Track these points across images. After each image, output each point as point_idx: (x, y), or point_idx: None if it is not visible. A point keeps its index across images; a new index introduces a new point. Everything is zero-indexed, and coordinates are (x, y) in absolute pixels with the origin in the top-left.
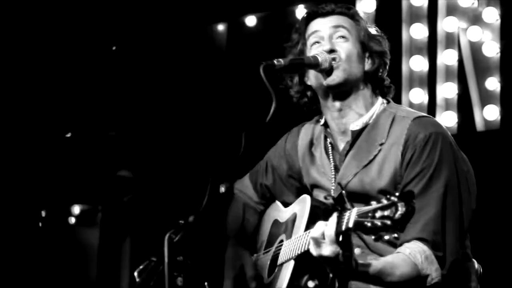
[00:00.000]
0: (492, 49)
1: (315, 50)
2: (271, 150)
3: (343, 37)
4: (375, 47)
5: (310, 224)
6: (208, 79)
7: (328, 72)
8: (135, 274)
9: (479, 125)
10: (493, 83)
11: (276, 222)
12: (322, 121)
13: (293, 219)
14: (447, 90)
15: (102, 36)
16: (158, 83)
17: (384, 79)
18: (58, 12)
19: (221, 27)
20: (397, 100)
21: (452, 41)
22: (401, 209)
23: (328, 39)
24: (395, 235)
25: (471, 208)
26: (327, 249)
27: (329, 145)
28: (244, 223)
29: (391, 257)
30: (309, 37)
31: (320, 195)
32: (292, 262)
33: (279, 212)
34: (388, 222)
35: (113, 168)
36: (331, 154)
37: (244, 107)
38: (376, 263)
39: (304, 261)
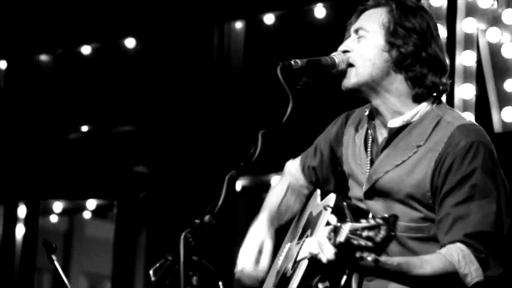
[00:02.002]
0: (511, 51)
1: None
2: (321, 134)
3: (360, 36)
4: (400, 34)
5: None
6: (226, 77)
7: (345, 73)
8: (151, 272)
9: (497, 126)
10: (511, 85)
11: (311, 214)
12: (367, 111)
13: (319, 215)
14: (465, 91)
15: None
16: (177, 79)
17: (420, 73)
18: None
19: (239, 24)
20: None
21: (470, 42)
22: (382, 233)
23: (347, 40)
24: (375, 257)
25: (508, 217)
26: (327, 255)
27: (370, 137)
28: (283, 203)
29: (421, 255)
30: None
31: (353, 186)
32: (306, 261)
33: (315, 203)
34: (370, 243)
35: (129, 164)
36: (369, 146)
37: (262, 106)
38: (402, 257)
39: (317, 261)
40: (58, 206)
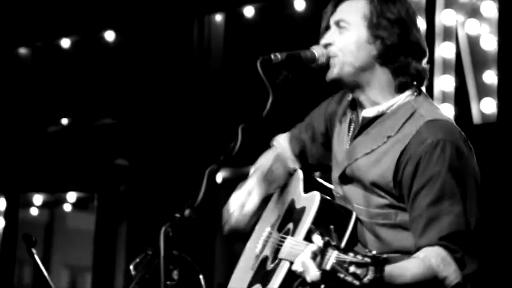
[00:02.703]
0: (490, 43)
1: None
2: (315, 109)
3: (341, 27)
4: (383, 26)
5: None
6: (207, 70)
7: (326, 67)
8: (131, 267)
9: (476, 118)
10: (490, 77)
11: (292, 203)
12: (350, 97)
13: (301, 213)
14: (445, 82)
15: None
16: (157, 72)
17: (404, 63)
18: None
19: (219, 17)
20: None
21: (450, 34)
22: (370, 274)
23: (328, 33)
24: None
25: (477, 216)
26: (311, 277)
27: (352, 123)
28: (272, 168)
29: (403, 261)
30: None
31: (334, 168)
32: (287, 264)
33: (298, 192)
34: (357, 282)
35: (110, 157)
36: (350, 132)
37: (242, 99)
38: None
39: None
40: (38, 199)
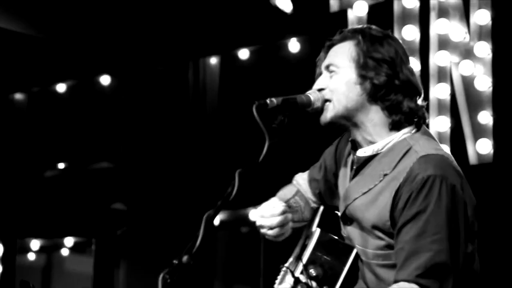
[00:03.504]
0: (484, 83)
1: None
2: (328, 148)
3: (331, 71)
4: (371, 66)
5: (305, 268)
6: (202, 112)
7: (321, 111)
8: None
9: (472, 158)
10: (485, 117)
11: (307, 237)
12: (350, 138)
13: (304, 248)
14: (440, 123)
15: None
16: (153, 115)
17: (395, 101)
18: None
19: (214, 60)
20: None
21: (444, 75)
22: None
23: (320, 78)
24: None
25: (469, 252)
26: None
27: (354, 163)
28: (293, 199)
29: None
30: None
31: (340, 210)
32: None
33: (312, 229)
34: None
35: (107, 201)
36: (352, 172)
37: (238, 141)
38: None
39: None
40: (35, 244)
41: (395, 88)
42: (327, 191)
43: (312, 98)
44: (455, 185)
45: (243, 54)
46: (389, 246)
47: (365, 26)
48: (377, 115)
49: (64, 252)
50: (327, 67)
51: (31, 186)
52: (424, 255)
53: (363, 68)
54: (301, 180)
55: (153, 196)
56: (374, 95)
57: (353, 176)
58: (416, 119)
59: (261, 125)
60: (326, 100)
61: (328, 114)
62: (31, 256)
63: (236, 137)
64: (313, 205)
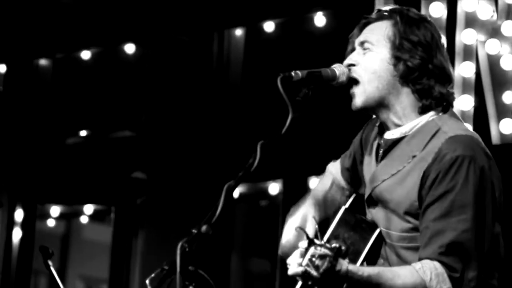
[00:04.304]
0: (509, 63)
1: None
2: (358, 134)
3: (365, 48)
4: (406, 48)
5: (330, 239)
6: (225, 84)
7: (346, 86)
8: (147, 282)
9: (495, 138)
10: (510, 97)
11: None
12: (378, 122)
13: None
14: (464, 102)
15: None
16: (176, 85)
17: (427, 85)
18: None
19: (239, 31)
20: None
21: (470, 53)
22: (325, 265)
23: (353, 53)
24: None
25: (495, 234)
26: (289, 272)
27: (380, 147)
28: (329, 194)
29: (397, 267)
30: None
31: (367, 189)
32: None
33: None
34: (315, 273)
35: (127, 169)
36: (379, 156)
37: (261, 114)
38: (373, 268)
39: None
40: (55, 210)
41: (428, 72)
42: (356, 180)
43: (337, 72)
44: (483, 166)
45: (269, 26)
46: (415, 229)
47: (403, 7)
48: (407, 98)
49: (84, 219)
50: (362, 44)
51: (53, 153)
52: (449, 234)
53: (398, 49)
54: (334, 169)
55: (174, 165)
56: (407, 77)
57: (380, 159)
58: (445, 103)
59: (285, 97)
60: (356, 81)
61: (359, 98)
62: (51, 223)
63: (259, 110)
64: (347, 193)
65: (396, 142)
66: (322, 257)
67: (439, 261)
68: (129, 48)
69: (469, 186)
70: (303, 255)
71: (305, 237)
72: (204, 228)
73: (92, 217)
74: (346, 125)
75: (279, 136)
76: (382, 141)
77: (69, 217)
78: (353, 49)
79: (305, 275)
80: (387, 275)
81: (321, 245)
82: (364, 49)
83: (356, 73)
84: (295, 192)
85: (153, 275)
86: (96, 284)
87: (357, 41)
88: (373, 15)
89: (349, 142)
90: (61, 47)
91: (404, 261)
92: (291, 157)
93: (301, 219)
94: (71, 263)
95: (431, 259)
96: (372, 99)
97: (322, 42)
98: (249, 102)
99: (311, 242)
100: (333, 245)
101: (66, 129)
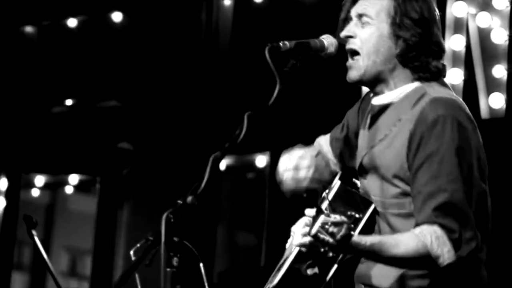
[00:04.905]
0: (500, 36)
1: None
2: (353, 107)
3: (364, 21)
4: (407, 25)
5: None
6: (214, 54)
7: (334, 57)
8: (131, 253)
9: (484, 112)
10: (500, 71)
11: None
12: (371, 94)
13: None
14: (453, 75)
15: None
16: (164, 55)
17: (424, 62)
18: None
19: (228, 1)
20: None
21: (460, 26)
22: (343, 231)
23: (349, 25)
24: (331, 254)
25: (482, 191)
26: (295, 242)
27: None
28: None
29: (397, 234)
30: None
31: (358, 159)
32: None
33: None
34: (331, 240)
35: (113, 140)
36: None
37: (248, 84)
38: (375, 236)
39: None
40: (40, 180)
41: (426, 49)
42: (347, 151)
43: (325, 42)
44: (466, 126)
45: None
46: (403, 194)
47: None
48: (403, 74)
49: (68, 189)
50: (360, 16)
51: (38, 122)
52: (441, 196)
53: (399, 26)
54: (323, 141)
55: (160, 136)
56: (405, 55)
57: (369, 127)
58: (440, 76)
59: (273, 68)
60: (356, 52)
61: (356, 71)
62: (35, 192)
63: (247, 80)
64: (333, 167)
65: (385, 108)
66: (337, 224)
67: (437, 223)
68: (116, 17)
69: (454, 145)
70: (311, 224)
71: (309, 210)
72: (189, 199)
73: (77, 187)
74: (335, 97)
75: (266, 107)
76: (370, 107)
77: (54, 187)
78: (346, 18)
79: (315, 243)
80: (389, 241)
81: (340, 213)
82: (363, 22)
83: (355, 45)
84: None
85: (137, 245)
86: (80, 254)
87: (354, 12)
88: None
89: (338, 114)
90: (47, 14)
91: (395, 230)
92: (278, 129)
93: (297, 158)
94: (55, 234)
95: (428, 223)
96: (369, 73)
97: (312, 13)
98: (237, 72)
99: (319, 211)
100: (350, 213)
101: (52, 97)
